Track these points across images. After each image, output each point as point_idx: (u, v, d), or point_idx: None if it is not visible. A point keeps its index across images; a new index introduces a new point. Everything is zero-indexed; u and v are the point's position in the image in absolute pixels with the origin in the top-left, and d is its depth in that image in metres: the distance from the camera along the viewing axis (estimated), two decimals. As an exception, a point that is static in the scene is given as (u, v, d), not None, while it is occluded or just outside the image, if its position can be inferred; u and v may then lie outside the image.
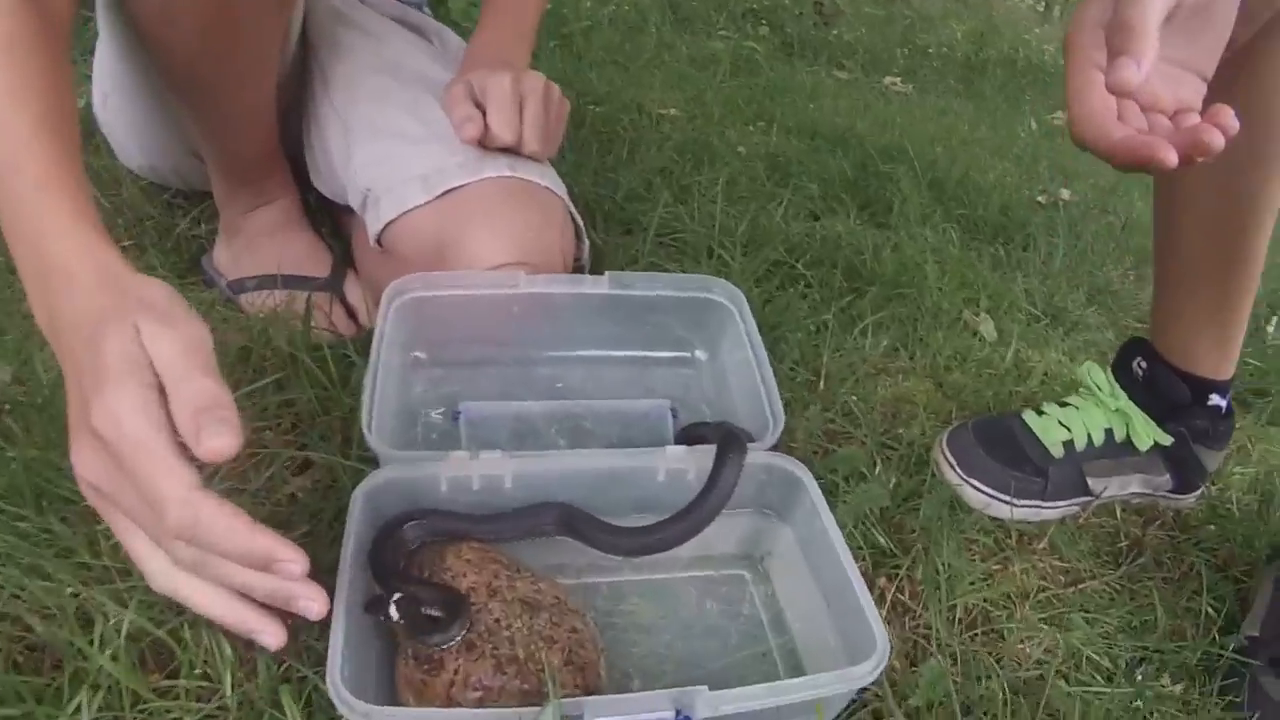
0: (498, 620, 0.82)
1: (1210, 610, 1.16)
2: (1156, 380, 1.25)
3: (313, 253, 1.34)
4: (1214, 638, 1.12)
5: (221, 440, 0.63)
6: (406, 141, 1.18)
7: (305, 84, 1.32)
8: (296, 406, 1.11)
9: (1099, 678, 1.05)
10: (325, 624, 0.73)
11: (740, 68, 3.00)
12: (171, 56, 1.08)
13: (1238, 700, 1.04)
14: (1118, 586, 1.18)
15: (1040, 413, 1.29)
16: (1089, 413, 1.28)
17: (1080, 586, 1.16)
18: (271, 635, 0.70)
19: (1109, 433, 1.27)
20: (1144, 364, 1.26)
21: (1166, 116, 0.72)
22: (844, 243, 1.75)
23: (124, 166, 1.46)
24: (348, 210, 1.25)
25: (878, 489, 1.11)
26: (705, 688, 0.75)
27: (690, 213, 1.75)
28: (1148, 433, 1.26)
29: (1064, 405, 1.30)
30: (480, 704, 0.77)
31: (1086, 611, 1.12)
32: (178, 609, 0.84)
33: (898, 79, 3.47)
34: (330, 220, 1.45)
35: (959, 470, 1.23)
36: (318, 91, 1.29)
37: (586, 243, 1.30)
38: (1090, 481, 1.25)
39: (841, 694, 0.84)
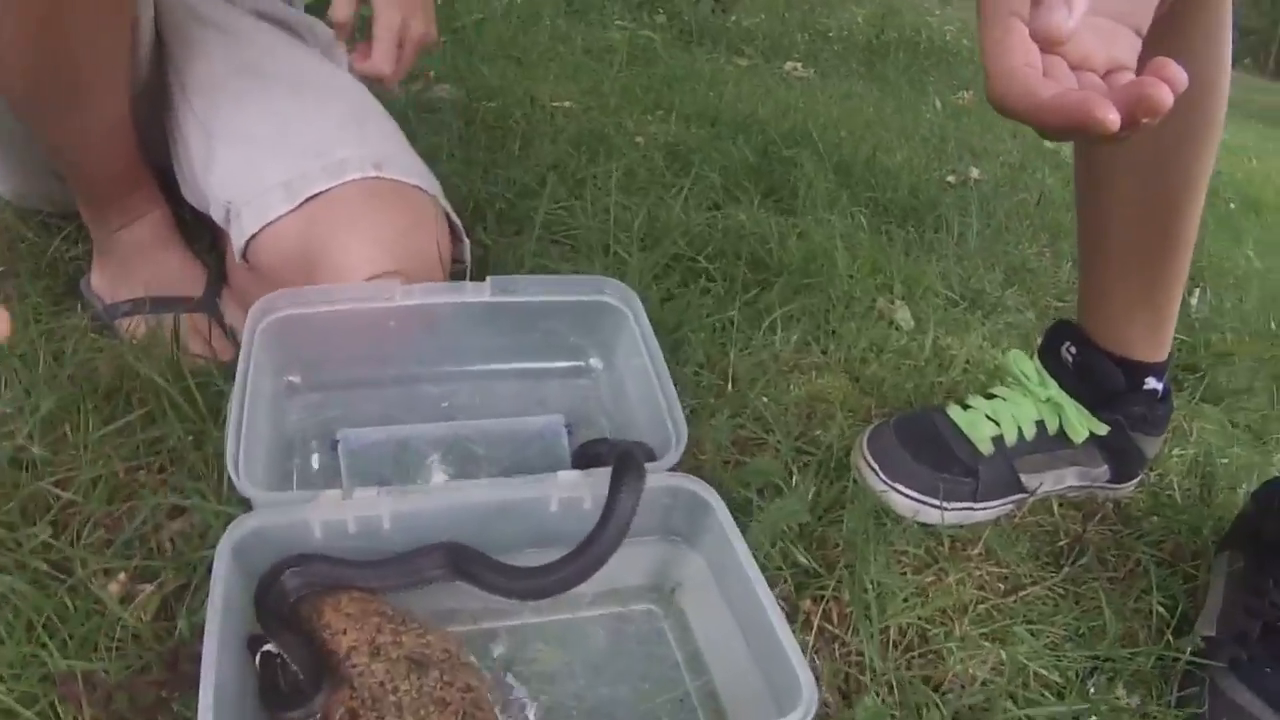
0: (382, 684, 0.74)
1: (1161, 609, 1.08)
2: (1088, 366, 1.17)
3: (186, 270, 1.26)
4: (1168, 640, 1.04)
5: None
6: (267, 148, 1.09)
7: (164, 89, 1.22)
8: (168, 443, 1.02)
9: (1048, 694, 0.95)
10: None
11: (637, 57, 2.91)
12: (7, 73, 0.99)
13: (1200, 712, 0.95)
14: (1061, 590, 1.09)
15: (966, 406, 1.20)
16: (1018, 404, 1.19)
17: (1021, 594, 1.07)
18: None
19: (1040, 425, 1.18)
20: (1074, 349, 1.18)
21: (1099, 75, 0.59)
22: (747, 232, 1.65)
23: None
24: (219, 221, 1.17)
25: (795, 503, 1.00)
26: None
27: (584, 207, 1.63)
28: (1082, 423, 1.18)
29: (990, 397, 1.21)
30: None
31: (1030, 622, 1.03)
32: (46, 687, 0.78)
33: (799, 64, 3.39)
34: (209, 233, 1.34)
35: (883, 476, 1.13)
36: (176, 97, 1.20)
37: (466, 242, 1.21)
38: (1024, 478, 1.16)
39: (767, 748, 0.73)
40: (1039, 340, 1.24)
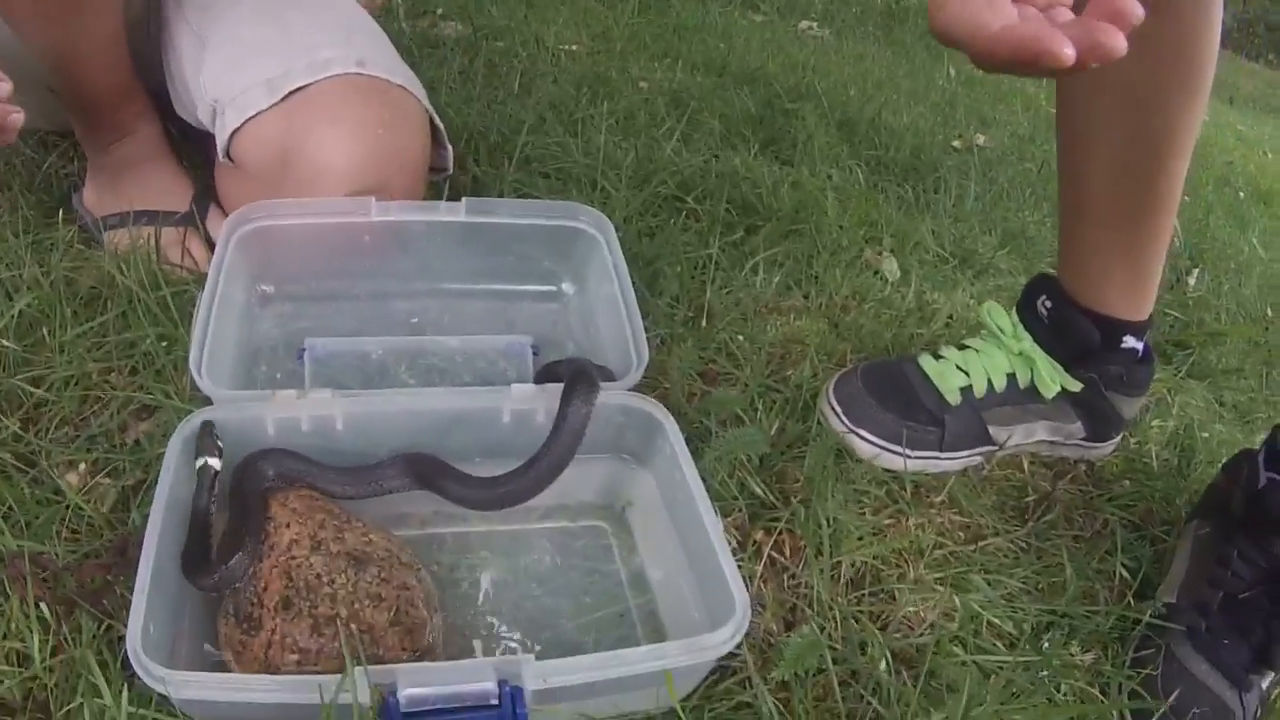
0: (319, 575, 0.75)
1: (1125, 572, 1.07)
2: (1064, 321, 1.14)
3: (174, 185, 1.25)
4: (1129, 602, 1.03)
5: None
6: (256, 47, 1.10)
7: (159, 4, 1.22)
8: (141, 348, 1.02)
9: (1000, 645, 0.94)
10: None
11: (650, 5, 2.87)
12: None
13: (1153, 673, 0.94)
14: (1023, 544, 1.08)
15: (938, 357, 1.18)
16: (990, 356, 1.17)
17: (982, 544, 1.06)
18: None
19: (1011, 378, 1.16)
20: (1049, 303, 1.15)
21: (1037, 8, 0.54)
22: (740, 177, 1.63)
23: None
24: (212, 138, 1.16)
25: (755, 434, 0.99)
26: (532, 656, 0.67)
27: (578, 144, 1.61)
28: (1054, 378, 1.15)
29: (963, 348, 1.19)
30: (298, 667, 0.70)
31: (988, 572, 1.02)
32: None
33: (814, 23, 3.35)
34: (202, 152, 1.32)
35: (845, 420, 1.11)
36: (171, 10, 1.20)
37: (449, 149, 1.21)
38: (992, 430, 1.14)
39: (697, 664, 0.72)
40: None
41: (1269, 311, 2.02)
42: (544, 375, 0.97)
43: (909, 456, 1.10)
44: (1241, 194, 3.29)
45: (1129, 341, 1.15)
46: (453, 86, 1.81)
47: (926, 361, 1.17)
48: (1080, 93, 1.05)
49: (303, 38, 1.08)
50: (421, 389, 0.98)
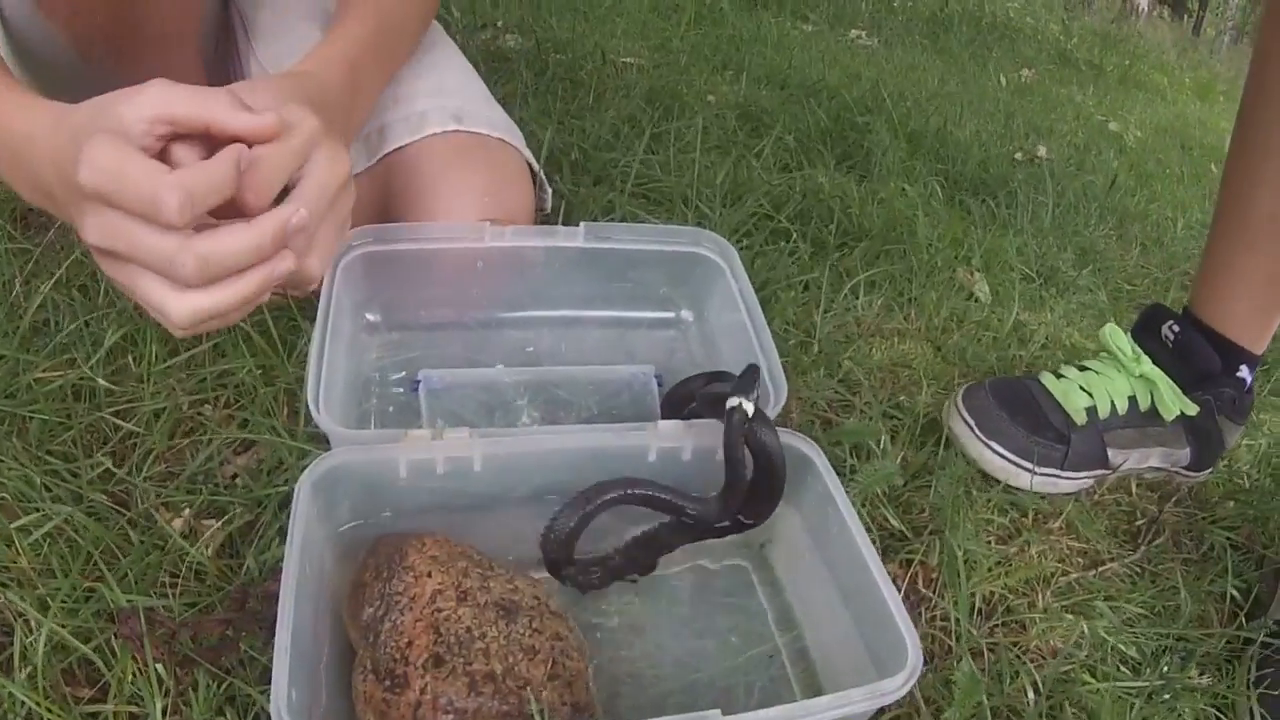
0: (469, 629, 0.70)
1: (1235, 592, 1.08)
2: (1188, 345, 1.15)
3: None
4: (1241, 622, 1.04)
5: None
6: None
7: (230, 38, 1.19)
8: (237, 378, 1.00)
9: (1125, 670, 0.95)
10: (269, 629, 0.64)
11: (704, 17, 2.88)
12: (87, 30, 0.97)
13: (1273, 693, 0.95)
14: (1138, 569, 1.08)
15: (1059, 376, 1.19)
16: (1111, 378, 1.17)
17: (1100, 569, 1.06)
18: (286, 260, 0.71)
19: (1133, 400, 1.17)
20: (1176, 327, 1.16)
21: None
22: (826, 195, 1.64)
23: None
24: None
25: (890, 466, 1.00)
26: (719, 711, 0.64)
27: (663, 162, 1.62)
28: (1175, 401, 1.15)
29: (1084, 369, 1.20)
30: None
31: (1109, 598, 1.03)
32: (102, 623, 0.75)
33: (863, 32, 3.36)
34: None
35: (979, 432, 1.12)
36: (241, 46, 1.16)
37: (549, 191, 1.19)
38: (1111, 453, 1.15)
39: (872, 709, 0.72)
40: (1133, 319, 1.23)
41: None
42: (669, 402, 0.96)
43: (1035, 473, 1.11)
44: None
45: (1243, 371, 1.16)
46: (525, 102, 1.82)
47: (1049, 380, 1.18)
48: (1261, 115, 1.06)
49: (393, 86, 1.05)
50: (561, 427, 0.96)
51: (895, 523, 0.99)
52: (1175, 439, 1.18)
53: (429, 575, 0.74)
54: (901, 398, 1.20)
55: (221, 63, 1.20)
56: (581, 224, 1.04)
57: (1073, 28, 4.66)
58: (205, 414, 0.96)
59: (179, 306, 0.69)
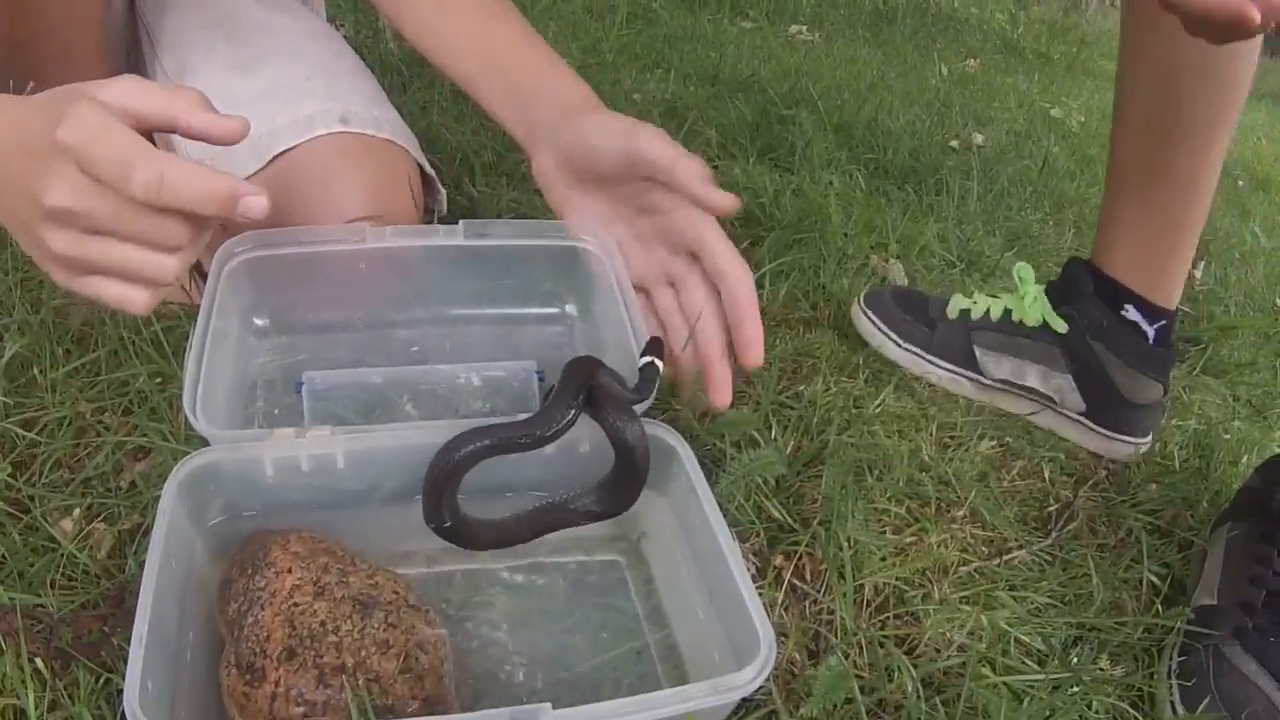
0: (323, 623, 0.71)
1: (1153, 579, 1.05)
2: (1070, 276, 1.25)
3: None
4: (1157, 610, 1.00)
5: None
6: (234, 104, 1.04)
7: (136, 45, 1.20)
8: (134, 386, 0.99)
9: (1029, 662, 0.91)
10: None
11: (638, 16, 2.85)
12: None
13: (1187, 684, 0.91)
14: (1048, 556, 1.05)
15: (966, 296, 1.33)
16: (997, 297, 1.30)
17: (1006, 558, 1.03)
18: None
19: (1007, 312, 1.27)
20: (1069, 268, 1.26)
21: None
22: (741, 186, 1.61)
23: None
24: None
25: (772, 455, 0.95)
26: (549, 705, 0.62)
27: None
28: (1039, 310, 1.25)
29: (992, 296, 1.32)
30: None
31: (1014, 587, 0.99)
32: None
33: (804, 27, 3.34)
34: None
35: (863, 307, 1.29)
36: (147, 53, 1.17)
37: (443, 192, 1.19)
38: (979, 353, 1.26)
39: (721, 705, 0.69)
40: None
41: (1277, 301, 2.00)
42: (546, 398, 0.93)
43: (898, 344, 1.28)
44: (1240, 182, 3.28)
45: (1130, 313, 1.21)
46: (444, 106, 1.78)
47: (953, 296, 1.32)
48: (1126, 59, 1.17)
49: (284, 91, 1.06)
50: (425, 422, 0.92)
51: (779, 514, 0.95)
52: (1049, 357, 1.24)
53: (289, 571, 0.75)
54: (800, 387, 1.16)
55: (134, 72, 1.18)
56: (461, 222, 1.02)
57: (1020, 18, 4.65)
58: (105, 421, 0.95)
59: (166, 263, 0.74)
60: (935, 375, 1.27)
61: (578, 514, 0.84)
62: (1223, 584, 1.00)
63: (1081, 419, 1.25)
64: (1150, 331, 1.20)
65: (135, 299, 0.76)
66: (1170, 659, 0.95)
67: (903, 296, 1.31)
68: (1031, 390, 1.25)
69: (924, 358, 1.27)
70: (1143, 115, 1.15)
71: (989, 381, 1.26)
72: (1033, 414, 1.27)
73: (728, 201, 0.85)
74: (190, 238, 0.74)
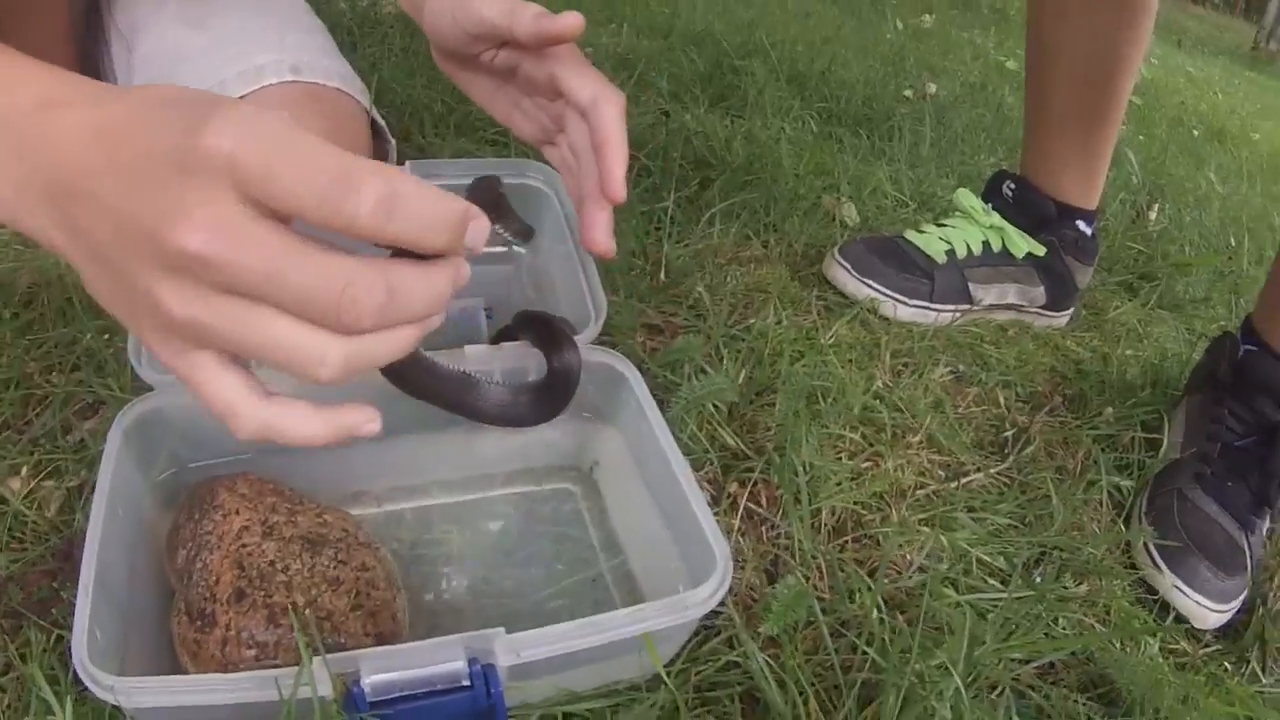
0: (272, 562, 0.69)
1: (1115, 491, 1.08)
2: (1026, 199, 1.35)
3: None
4: (1120, 529, 1.01)
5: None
6: (185, 56, 1.04)
7: (94, 5, 1.16)
8: (83, 343, 0.96)
9: (993, 582, 0.91)
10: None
11: (590, -29, 2.81)
12: None
13: (1142, 577, 1.00)
14: (1006, 479, 1.05)
15: (921, 232, 1.35)
16: (966, 229, 1.35)
17: (964, 481, 1.02)
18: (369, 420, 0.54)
19: (986, 244, 1.35)
20: (1013, 186, 1.36)
21: None
22: (692, 132, 1.59)
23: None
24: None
25: (722, 381, 0.95)
26: (502, 630, 0.61)
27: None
28: (1023, 243, 1.35)
29: (941, 225, 1.37)
30: (257, 663, 0.65)
31: (972, 510, 0.99)
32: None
33: (759, -16, 3.30)
34: None
35: (854, 272, 1.28)
36: (104, 13, 1.14)
37: (393, 143, 1.16)
38: (972, 287, 1.32)
39: (679, 625, 0.68)
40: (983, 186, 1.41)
41: (1232, 241, 2.01)
42: (499, 338, 0.92)
43: (907, 304, 1.29)
44: (1195, 132, 3.29)
45: (1080, 225, 1.36)
46: (394, 61, 1.76)
47: (912, 235, 1.35)
48: (1048, 21, 1.26)
49: (234, 44, 1.04)
50: None
51: (733, 441, 0.94)
52: (1028, 277, 1.36)
53: (236, 512, 0.73)
54: (751, 320, 1.15)
55: (92, 32, 1.16)
56: (408, 163, 1.00)
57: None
58: (53, 380, 0.93)
59: (249, 408, 0.52)
60: (935, 317, 1.31)
61: (488, 405, 0.77)
62: (1185, 441, 1.13)
63: (1041, 311, 1.39)
64: (1089, 231, 1.37)
65: (258, 409, 0.53)
66: (1140, 501, 1.07)
67: (877, 246, 1.32)
68: (1011, 305, 1.37)
69: (930, 308, 1.30)
70: (1080, 63, 1.25)
71: (978, 309, 1.34)
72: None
73: (569, 21, 0.72)
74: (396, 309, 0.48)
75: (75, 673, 0.59)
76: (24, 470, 0.84)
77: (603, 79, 0.75)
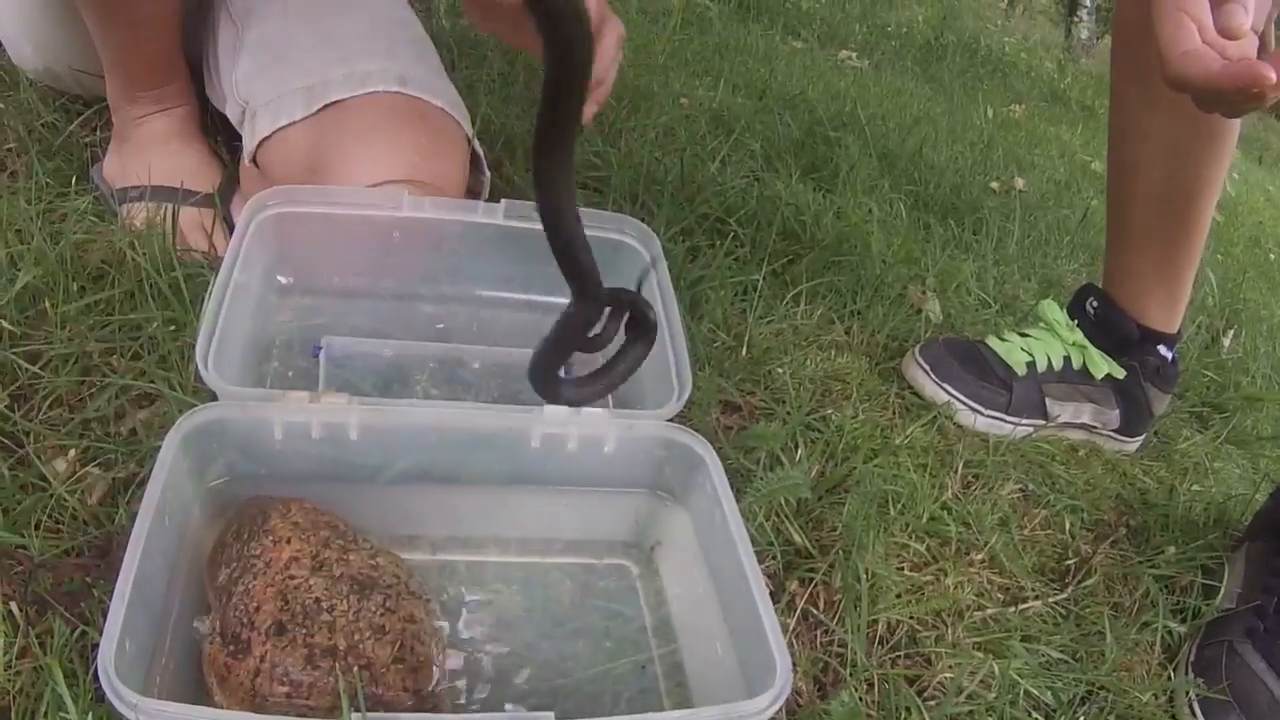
0: (318, 600, 0.67)
1: (1166, 637, 1.04)
2: (1109, 319, 1.33)
3: (201, 167, 1.19)
4: (1169, 676, 0.99)
5: None
6: (294, 52, 1.05)
7: None
8: (146, 331, 0.96)
9: (1038, 716, 0.89)
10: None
11: (692, 23, 2.83)
12: None
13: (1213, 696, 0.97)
14: (1063, 610, 1.03)
15: (1002, 339, 1.35)
16: (1048, 342, 1.35)
17: (1021, 607, 1.00)
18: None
19: (1067, 360, 1.34)
20: (1095, 304, 1.34)
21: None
22: (783, 203, 1.58)
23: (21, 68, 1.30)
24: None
25: (798, 476, 0.93)
26: (552, 715, 0.60)
27: (618, 156, 1.56)
28: (1104, 363, 1.33)
29: (1024, 335, 1.36)
30: (288, 701, 0.63)
31: (1027, 638, 0.97)
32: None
33: (854, 53, 3.31)
34: (232, 136, 1.27)
35: (934, 375, 1.28)
36: None
37: (488, 175, 1.15)
38: (1049, 403, 1.31)
39: (728, 730, 0.66)
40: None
41: (1306, 379, 1.98)
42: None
43: (983, 414, 1.28)
44: (1272, 255, 3.25)
45: (1161, 350, 1.34)
46: (492, 88, 1.76)
47: (994, 342, 1.34)
48: (1129, 140, 1.24)
49: (344, 46, 1.04)
50: (444, 403, 0.89)
51: (799, 538, 0.93)
52: (1105, 398, 1.35)
53: (287, 541, 0.71)
54: (829, 411, 1.14)
55: (201, 9, 1.19)
56: (503, 201, 1.00)
57: (1068, 68, 4.62)
58: (113, 364, 0.92)
59: None
60: (1010, 430, 1.30)
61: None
62: (1242, 592, 1.10)
63: (1114, 435, 1.37)
64: (1170, 356, 1.35)
65: None
66: (1190, 648, 1.04)
67: (957, 349, 1.31)
68: (1085, 425, 1.35)
69: (1006, 420, 1.29)
70: (1161, 182, 1.22)
71: (1052, 425, 1.32)
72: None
73: None
74: None
75: (95, 674, 0.58)
76: (71, 453, 0.83)
77: (606, 7, 0.84)
